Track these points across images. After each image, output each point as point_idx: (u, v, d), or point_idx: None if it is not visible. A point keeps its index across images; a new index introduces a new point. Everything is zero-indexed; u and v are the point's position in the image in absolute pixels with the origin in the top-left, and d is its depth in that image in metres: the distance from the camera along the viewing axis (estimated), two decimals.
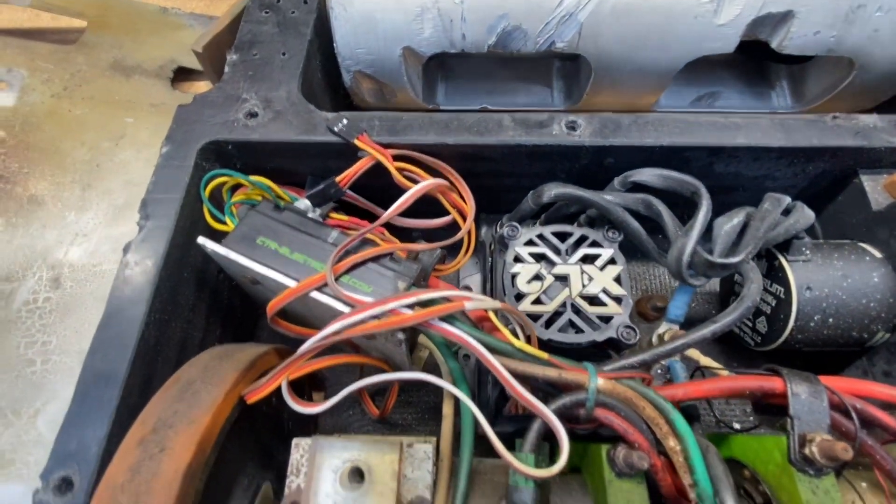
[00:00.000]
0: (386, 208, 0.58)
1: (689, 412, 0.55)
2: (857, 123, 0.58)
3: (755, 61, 0.82)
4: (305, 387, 0.61)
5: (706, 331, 0.49)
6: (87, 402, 0.44)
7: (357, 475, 0.42)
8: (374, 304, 0.46)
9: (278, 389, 0.46)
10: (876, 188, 0.60)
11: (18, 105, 0.91)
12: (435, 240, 0.58)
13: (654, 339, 0.61)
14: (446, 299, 0.48)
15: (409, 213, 0.59)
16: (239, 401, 0.45)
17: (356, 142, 0.59)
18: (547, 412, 0.43)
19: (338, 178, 0.59)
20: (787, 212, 0.55)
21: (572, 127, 0.58)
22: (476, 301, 0.48)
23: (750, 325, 0.63)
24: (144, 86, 1.00)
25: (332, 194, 0.60)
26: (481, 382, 0.64)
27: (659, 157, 0.58)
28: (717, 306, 0.74)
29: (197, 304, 0.57)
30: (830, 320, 0.56)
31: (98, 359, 0.46)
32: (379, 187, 0.60)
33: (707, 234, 0.53)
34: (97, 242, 0.80)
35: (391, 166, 0.58)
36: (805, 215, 0.55)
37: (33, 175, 0.85)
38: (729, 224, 0.53)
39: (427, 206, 0.61)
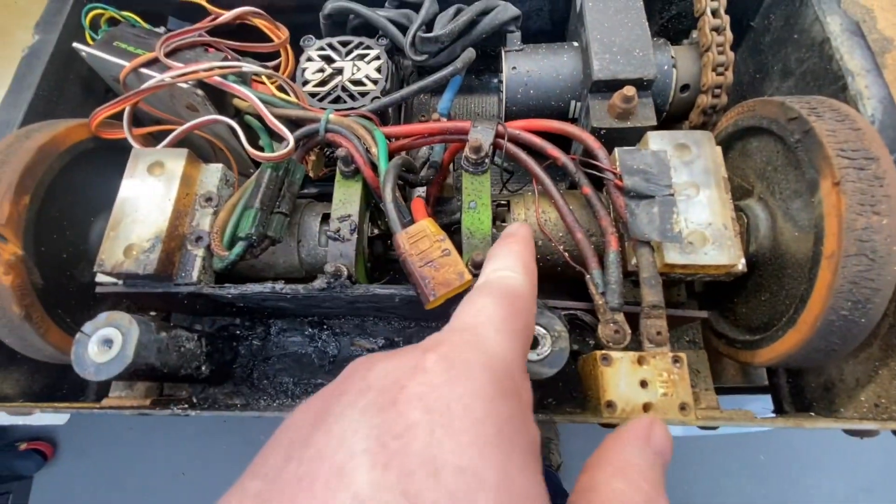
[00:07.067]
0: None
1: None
2: None
3: None
4: None
5: (423, 83, 0.70)
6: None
7: None
8: (186, 66, 0.68)
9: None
10: None
11: None
12: None
13: None
14: (232, 67, 0.70)
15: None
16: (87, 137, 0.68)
17: None
18: (286, 132, 0.65)
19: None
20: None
21: None
22: (251, 67, 0.70)
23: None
24: None
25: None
26: None
27: None
28: None
29: (83, 106, 0.80)
30: (532, 91, 0.75)
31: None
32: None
33: None
34: None
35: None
36: (508, 10, 0.74)
37: None
38: (445, 15, 0.73)
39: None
